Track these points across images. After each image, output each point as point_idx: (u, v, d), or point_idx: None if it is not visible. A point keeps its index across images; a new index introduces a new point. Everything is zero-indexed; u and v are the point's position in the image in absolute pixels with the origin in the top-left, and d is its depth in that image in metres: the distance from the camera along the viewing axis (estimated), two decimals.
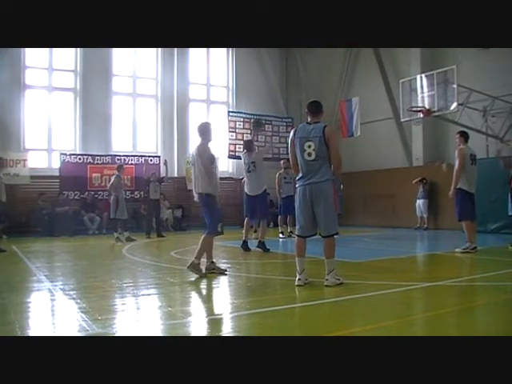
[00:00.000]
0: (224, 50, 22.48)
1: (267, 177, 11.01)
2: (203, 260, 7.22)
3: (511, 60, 14.88)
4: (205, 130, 7.34)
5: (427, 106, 14.62)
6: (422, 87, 14.93)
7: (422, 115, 14.98)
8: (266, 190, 10.52)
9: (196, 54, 21.72)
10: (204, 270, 7.11)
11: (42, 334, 4.03)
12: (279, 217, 14.57)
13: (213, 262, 7.36)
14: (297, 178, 6.24)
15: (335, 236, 6.06)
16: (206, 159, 7.12)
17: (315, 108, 6.25)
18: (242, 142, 21.12)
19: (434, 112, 14.56)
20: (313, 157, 5.92)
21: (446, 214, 16.29)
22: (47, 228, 16.46)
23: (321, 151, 5.89)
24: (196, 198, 7.38)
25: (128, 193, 17.61)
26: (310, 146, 5.93)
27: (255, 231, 12.37)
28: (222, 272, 7.22)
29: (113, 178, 14.24)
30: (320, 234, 6.07)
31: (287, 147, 21.76)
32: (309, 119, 6.22)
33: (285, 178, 13.97)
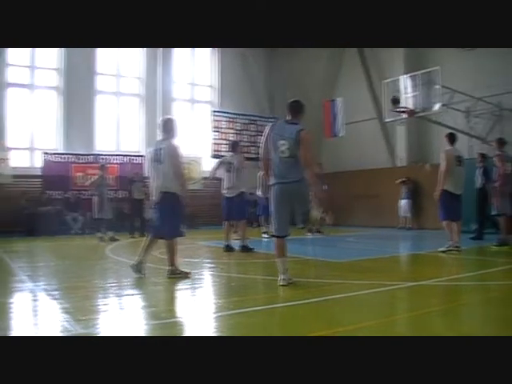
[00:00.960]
0: (208, 49, 22.41)
1: (251, 177, 10.98)
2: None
3: (494, 61, 15.03)
4: (170, 126, 7.09)
5: (411, 107, 14.70)
6: (405, 88, 15.02)
7: (405, 116, 15.07)
8: (243, 192, 10.47)
9: (180, 53, 21.65)
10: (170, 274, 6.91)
11: (25, 335, 3.99)
12: (260, 217, 14.60)
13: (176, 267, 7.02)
14: (271, 175, 6.16)
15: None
16: (179, 159, 6.94)
17: (296, 108, 6.24)
18: (226, 142, 21.14)
19: (418, 113, 14.66)
20: (286, 154, 5.92)
21: (430, 214, 16.39)
22: (30, 228, 16.30)
23: (294, 152, 5.90)
24: (155, 198, 6.99)
25: (112, 192, 17.52)
26: (283, 145, 5.93)
27: (235, 232, 12.34)
28: (186, 275, 6.93)
29: (96, 177, 14.17)
30: (301, 227, 6.07)
31: None
32: (287, 117, 6.21)
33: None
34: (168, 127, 7.09)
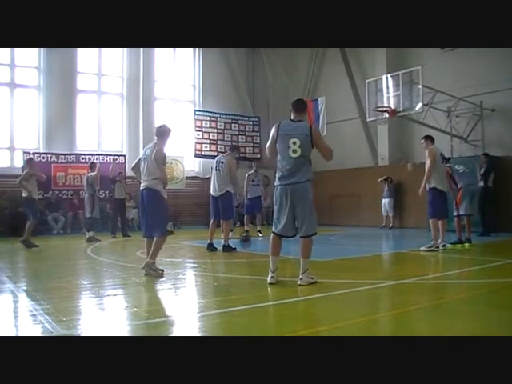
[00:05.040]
0: (190, 48, 22.29)
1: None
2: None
3: (475, 61, 15.19)
4: (164, 133, 7.39)
5: (393, 106, 14.79)
6: (387, 87, 15.10)
7: (387, 115, 15.14)
8: (228, 191, 10.38)
9: (162, 52, 21.52)
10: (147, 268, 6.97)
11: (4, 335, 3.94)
12: (245, 216, 14.64)
13: (154, 262, 7.09)
14: (277, 176, 6.15)
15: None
16: (162, 162, 7.13)
17: (300, 105, 6.26)
18: (208, 141, 21.16)
19: (400, 112, 14.74)
20: (298, 154, 5.90)
21: (411, 212, 16.54)
22: (10, 228, 16.09)
23: (306, 149, 5.92)
24: (140, 195, 7.20)
25: None
26: (295, 143, 5.90)
27: (223, 231, 12.33)
28: (161, 275, 6.96)
29: (91, 175, 14.09)
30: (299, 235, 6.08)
31: (254, 146, 22.05)
32: (292, 116, 6.19)
33: (253, 180, 14.51)
34: (160, 133, 7.38)
